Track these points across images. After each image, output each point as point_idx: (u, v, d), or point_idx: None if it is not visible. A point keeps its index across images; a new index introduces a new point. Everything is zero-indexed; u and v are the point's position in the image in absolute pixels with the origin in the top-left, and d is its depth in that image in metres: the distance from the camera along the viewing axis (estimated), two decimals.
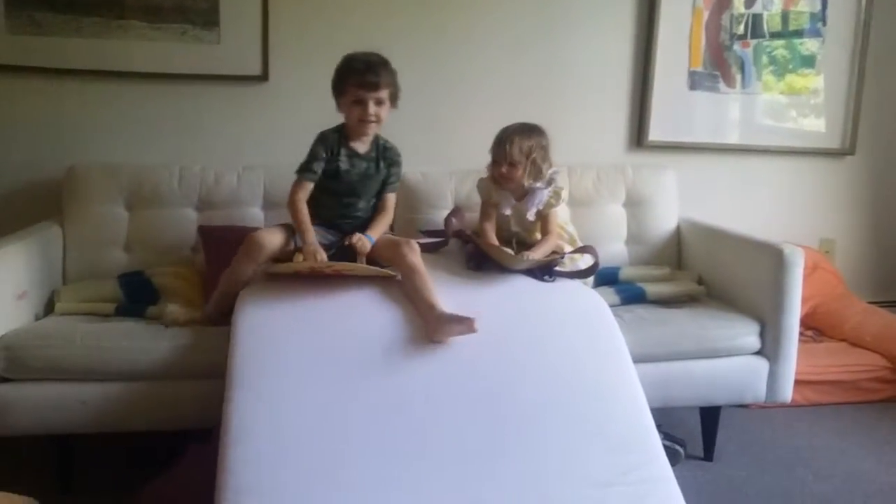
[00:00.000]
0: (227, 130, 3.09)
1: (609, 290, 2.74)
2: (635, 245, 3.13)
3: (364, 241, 2.27)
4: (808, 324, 3.41)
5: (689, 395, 2.58)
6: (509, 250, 2.42)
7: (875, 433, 2.93)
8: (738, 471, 2.61)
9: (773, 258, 2.61)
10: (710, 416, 2.71)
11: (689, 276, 2.97)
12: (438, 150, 3.22)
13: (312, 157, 2.31)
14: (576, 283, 2.45)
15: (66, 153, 2.90)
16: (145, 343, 2.26)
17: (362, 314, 2.14)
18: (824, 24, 3.67)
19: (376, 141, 2.39)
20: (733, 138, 3.65)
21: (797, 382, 2.69)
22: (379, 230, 2.36)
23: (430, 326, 2.06)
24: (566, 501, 1.75)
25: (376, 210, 2.41)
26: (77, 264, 2.69)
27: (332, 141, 2.33)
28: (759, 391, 2.64)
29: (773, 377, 2.63)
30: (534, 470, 1.81)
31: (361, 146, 2.36)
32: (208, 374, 2.16)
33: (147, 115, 3.03)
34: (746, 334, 2.61)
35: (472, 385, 1.97)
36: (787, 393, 2.66)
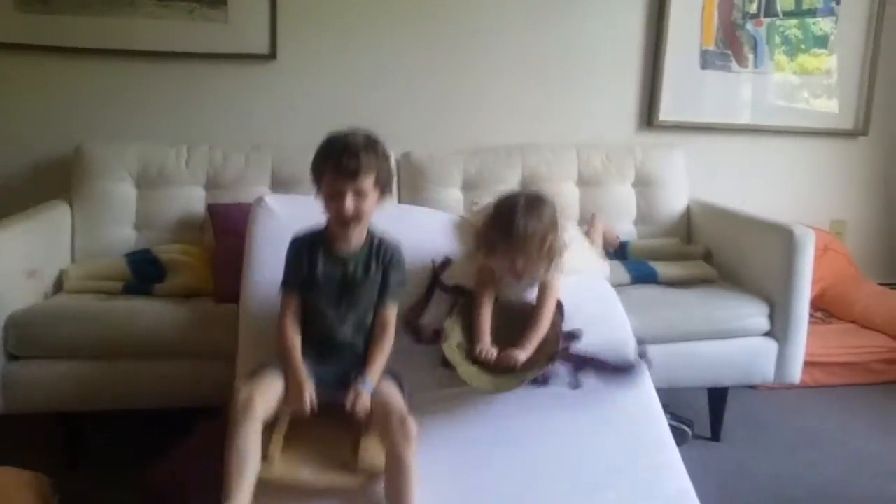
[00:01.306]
0: (235, 109, 3.08)
1: (620, 268, 2.73)
2: (644, 225, 3.12)
3: (363, 400, 1.71)
4: (817, 305, 3.40)
5: (697, 376, 2.58)
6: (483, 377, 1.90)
7: (883, 415, 2.92)
8: (745, 452, 2.61)
9: (783, 239, 2.60)
10: (717, 396, 2.70)
11: (698, 252, 2.97)
12: (446, 130, 3.20)
13: (288, 267, 1.88)
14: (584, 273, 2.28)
15: (74, 132, 2.90)
16: (153, 322, 2.27)
17: None
18: (838, 3, 3.62)
19: (370, 238, 1.88)
20: (744, 118, 3.62)
21: (806, 364, 2.68)
22: (376, 368, 1.79)
23: None
24: (576, 487, 1.75)
25: (372, 332, 1.85)
26: (85, 243, 2.70)
27: (307, 244, 1.87)
28: (767, 372, 2.64)
29: (781, 358, 2.63)
30: (543, 455, 1.81)
31: (345, 245, 1.85)
32: (217, 354, 2.17)
33: (155, 93, 3.02)
34: (756, 315, 2.61)
35: None
36: (796, 374, 2.66)
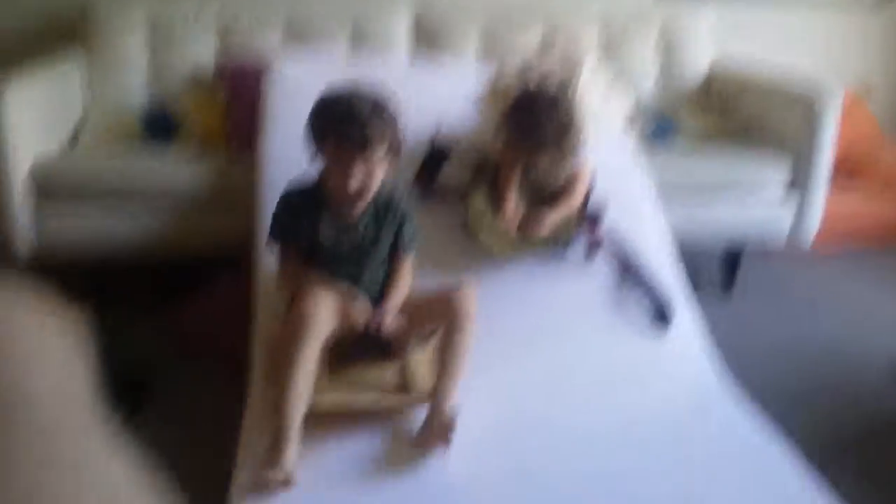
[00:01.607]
0: None
1: (642, 123, 2.68)
2: (667, 84, 3.04)
3: (386, 321, 1.59)
4: (839, 167, 3.34)
5: (713, 235, 2.59)
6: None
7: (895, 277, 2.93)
8: (757, 309, 2.65)
9: (809, 97, 2.53)
10: (733, 255, 2.72)
11: (717, 107, 2.91)
12: None
13: (279, 224, 1.67)
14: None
15: None
16: (170, 174, 2.29)
17: None
18: None
19: (376, 194, 1.64)
20: None
21: (823, 226, 2.67)
22: (393, 302, 1.64)
23: (425, 427, 1.53)
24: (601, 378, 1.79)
25: (388, 277, 1.69)
26: (99, 96, 2.66)
27: (304, 205, 1.64)
28: (783, 233, 2.63)
29: (798, 219, 2.62)
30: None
31: (350, 210, 1.64)
32: (232, 207, 2.20)
33: None
34: (776, 174, 2.58)
35: None
36: (812, 235, 2.65)
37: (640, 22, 3.02)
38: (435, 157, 2.09)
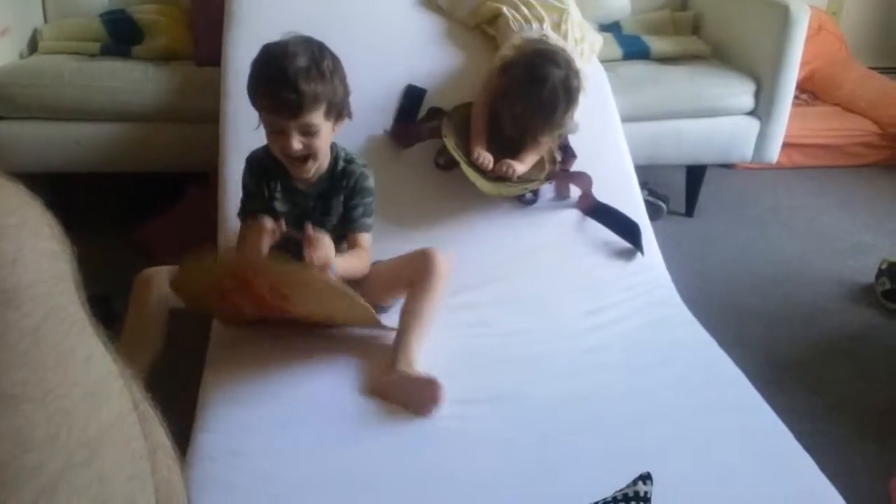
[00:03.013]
0: None
1: (613, 43, 2.67)
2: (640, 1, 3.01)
3: (323, 242, 1.46)
4: (804, 87, 3.38)
5: (678, 153, 2.62)
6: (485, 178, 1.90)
7: (854, 196, 3.01)
8: (717, 227, 2.72)
9: (777, 14, 2.53)
10: (695, 174, 2.76)
11: (688, 19, 2.91)
12: None
13: (244, 191, 1.62)
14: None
15: None
16: (134, 83, 2.24)
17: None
18: None
19: (333, 161, 1.59)
20: None
21: (785, 144, 2.73)
22: (346, 263, 1.54)
23: (384, 378, 1.48)
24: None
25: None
26: (58, 2, 2.57)
27: (264, 169, 1.58)
28: (746, 151, 2.68)
29: (762, 138, 2.66)
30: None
31: (300, 174, 1.56)
32: (200, 118, 2.17)
33: None
34: (741, 94, 2.60)
35: None
36: (774, 154, 2.70)
37: None
38: (410, 102, 2.06)
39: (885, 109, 3.26)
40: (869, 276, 2.38)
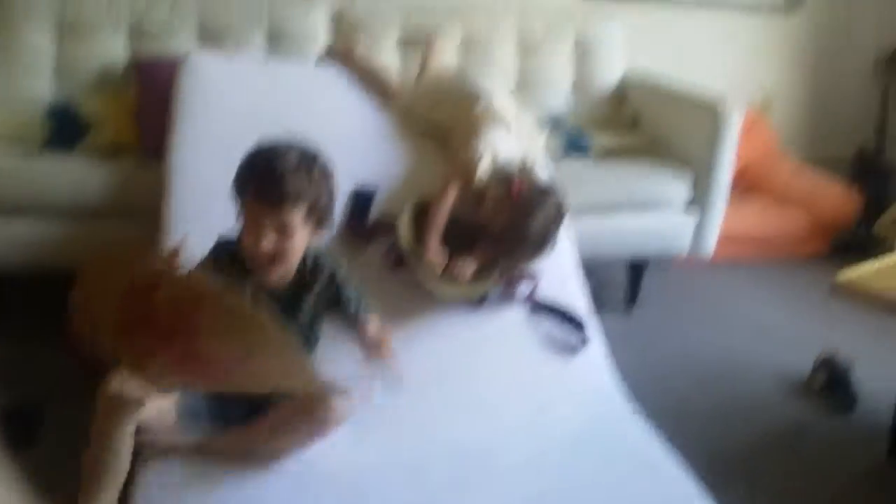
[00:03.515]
0: None
1: (554, 137, 2.74)
2: (580, 94, 3.12)
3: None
4: (738, 181, 3.49)
5: (618, 248, 2.68)
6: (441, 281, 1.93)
7: (789, 288, 3.10)
8: (658, 320, 2.76)
9: (710, 113, 2.65)
10: (636, 269, 2.82)
11: (629, 117, 3.02)
12: None
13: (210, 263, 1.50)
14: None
15: None
16: (77, 178, 2.21)
17: None
18: None
19: (303, 258, 1.52)
20: None
21: (721, 237, 2.81)
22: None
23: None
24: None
25: (362, 350, 1.60)
26: (1, 93, 2.55)
27: (232, 258, 1.48)
28: (684, 244, 2.75)
29: (699, 231, 2.74)
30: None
31: (266, 275, 1.49)
32: (145, 213, 2.14)
33: None
34: (678, 188, 2.69)
35: None
36: (711, 247, 2.78)
37: (555, 31, 3.07)
38: (360, 203, 2.06)
39: (815, 203, 3.39)
40: (806, 369, 2.43)
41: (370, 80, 2.47)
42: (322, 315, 1.58)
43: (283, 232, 1.43)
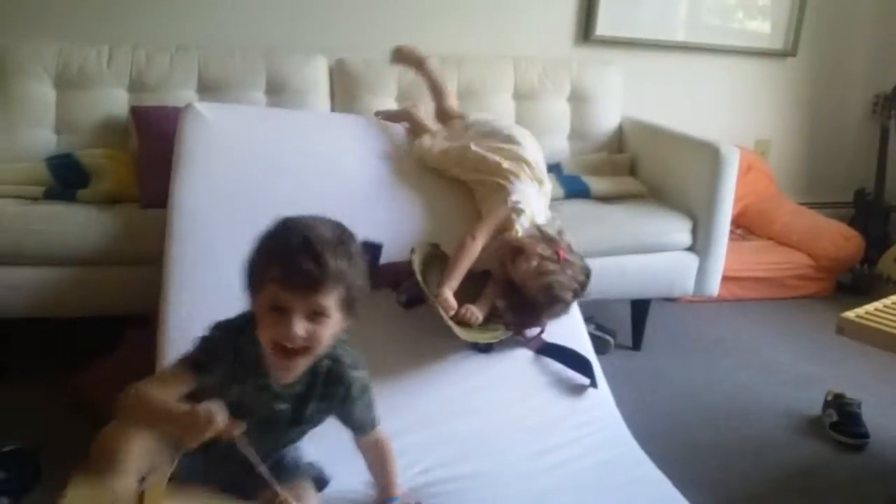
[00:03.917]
0: (160, 6, 2.92)
1: (554, 182, 2.75)
2: (578, 140, 3.14)
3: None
4: (738, 222, 3.51)
5: (621, 288, 2.66)
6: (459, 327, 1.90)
7: (794, 327, 3.08)
8: (664, 360, 2.73)
9: (709, 157, 2.66)
10: (640, 308, 2.80)
11: (625, 161, 3.04)
12: (380, 36, 3.10)
13: (205, 352, 1.29)
14: None
15: None
16: (77, 227, 2.21)
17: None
18: None
19: (315, 362, 1.33)
20: (680, 36, 3.63)
21: (724, 278, 2.80)
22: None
23: None
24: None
25: (369, 459, 1.50)
26: (3, 145, 2.56)
27: (239, 349, 1.29)
28: (687, 285, 2.74)
29: (701, 272, 2.73)
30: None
31: (283, 374, 1.31)
32: (144, 260, 2.14)
33: None
34: (679, 230, 2.69)
35: None
36: (715, 288, 2.77)
37: (551, 78, 3.11)
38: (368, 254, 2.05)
39: (816, 243, 3.39)
40: (815, 408, 2.40)
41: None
42: (323, 419, 1.41)
43: (318, 317, 1.23)
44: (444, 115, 2.49)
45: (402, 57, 2.60)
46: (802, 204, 3.77)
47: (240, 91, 2.74)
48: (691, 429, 2.29)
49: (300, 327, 1.21)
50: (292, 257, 1.20)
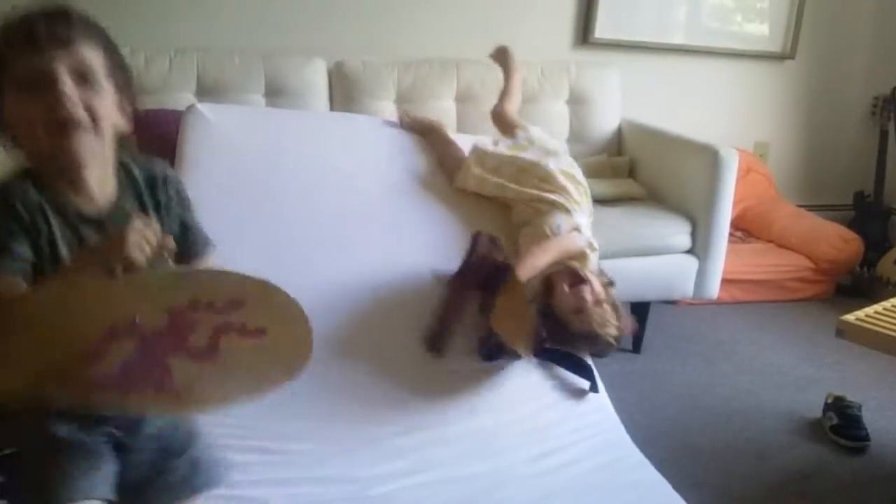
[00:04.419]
0: (156, 9, 2.91)
1: None
2: (577, 143, 3.14)
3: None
4: (738, 225, 3.51)
5: (621, 291, 2.64)
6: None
7: (794, 330, 3.08)
8: (664, 363, 2.73)
9: (708, 159, 2.66)
10: (639, 311, 2.80)
11: (624, 163, 3.04)
12: (379, 41, 3.12)
13: None
14: None
15: None
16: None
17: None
18: None
19: (124, 168, 1.17)
20: (679, 39, 3.63)
21: (724, 281, 2.80)
22: None
23: None
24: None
25: None
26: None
27: (26, 198, 1.06)
28: (687, 288, 2.73)
29: (701, 275, 2.73)
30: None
31: (86, 194, 1.11)
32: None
33: None
34: (678, 233, 2.69)
35: None
36: (714, 290, 2.77)
37: (550, 81, 3.11)
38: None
39: (816, 245, 3.39)
40: (815, 411, 2.39)
41: (448, 155, 2.35)
42: (175, 231, 1.19)
43: (86, 80, 1.06)
44: (504, 121, 2.47)
45: (500, 57, 2.67)
46: (801, 206, 3.76)
47: (238, 94, 2.73)
48: (691, 431, 2.28)
49: (67, 86, 1.03)
50: (34, 23, 1.04)
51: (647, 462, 1.77)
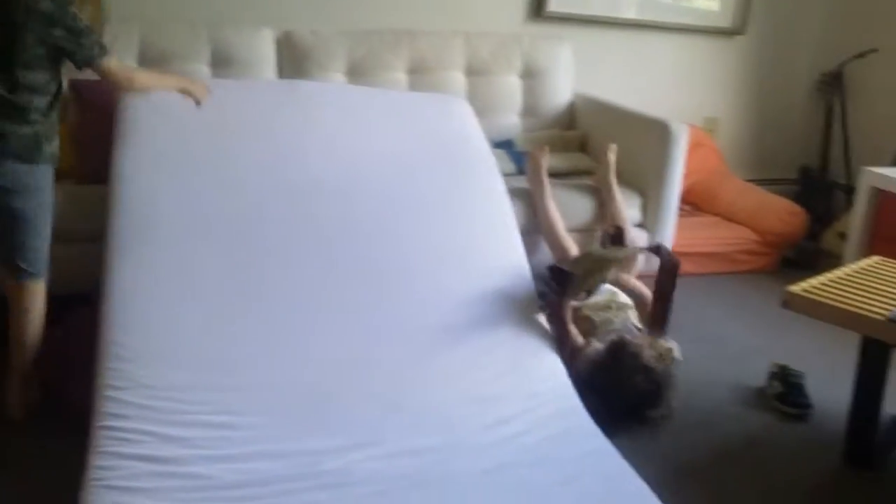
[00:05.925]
0: None
1: (505, 157, 2.75)
2: (529, 117, 3.14)
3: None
4: (686, 198, 3.53)
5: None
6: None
7: (740, 301, 3.13)
8: None
9: (658, 134, 2.69)
10: None
11: (577, 140, 3.05)
12: (329, 9, 3.05)
13: None
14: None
15: None
16: None
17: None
18: None
19: None
20: (631, 13, 3.63)
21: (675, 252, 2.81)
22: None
23: None
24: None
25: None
26: None
27: None
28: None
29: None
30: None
31: None
32: (85, 238, 2.08)
33: None
34: (629, 207, 2.71)
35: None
36: None
37: (503, 54, 3.09)
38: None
39: (763, 219, 3.44)
40: (760, 380, 2.44)
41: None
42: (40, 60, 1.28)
43: None
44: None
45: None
46: (749, 181, 3.82)
47: (183, 63, 2.67)
48: None
49: None
50: None
51: (598, 432, 1.79)
